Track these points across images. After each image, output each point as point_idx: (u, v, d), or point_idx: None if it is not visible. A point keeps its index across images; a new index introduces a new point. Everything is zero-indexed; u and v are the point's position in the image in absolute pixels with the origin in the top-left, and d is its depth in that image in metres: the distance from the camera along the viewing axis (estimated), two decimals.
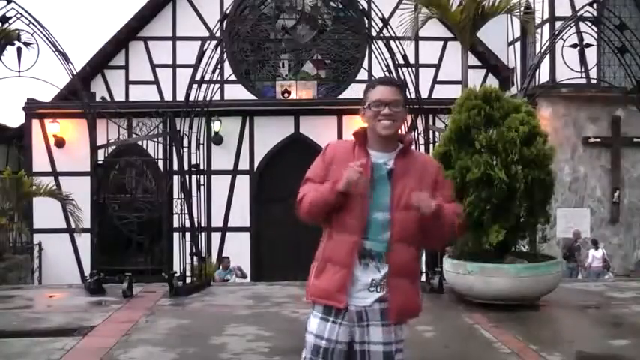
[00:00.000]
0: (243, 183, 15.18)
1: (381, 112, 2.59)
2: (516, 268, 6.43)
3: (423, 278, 8.02)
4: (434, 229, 2.60)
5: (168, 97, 16.60)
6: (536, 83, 13.40)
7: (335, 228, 2.63)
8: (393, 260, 2.58)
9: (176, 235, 8.01)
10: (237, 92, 16.25)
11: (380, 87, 2.65)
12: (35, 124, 15.00)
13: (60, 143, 14.85)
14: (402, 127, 2.69)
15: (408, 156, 2.67)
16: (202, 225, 8.24)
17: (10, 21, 7.88)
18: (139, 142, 10.01)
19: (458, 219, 2.67)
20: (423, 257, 8.48)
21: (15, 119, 25.68)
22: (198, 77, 7.90)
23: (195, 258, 7.96)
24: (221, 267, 12.76)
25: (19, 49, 8.13)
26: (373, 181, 2.58)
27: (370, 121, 2.63)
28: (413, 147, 2.74)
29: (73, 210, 11.93)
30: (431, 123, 9.19)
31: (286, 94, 16.84)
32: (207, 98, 8.11)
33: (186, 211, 7.84)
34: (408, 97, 8.15)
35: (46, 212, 14.09)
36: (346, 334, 2.61)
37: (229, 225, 15.02)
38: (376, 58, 8.41)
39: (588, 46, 9.23)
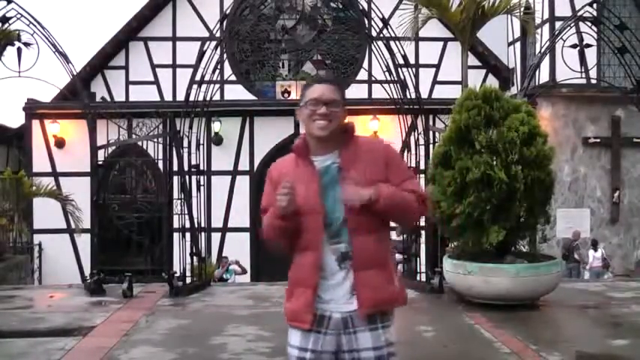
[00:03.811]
0: (243, 183, 15.17)
1: (317, 111, 2.49)
2: (516, 268, 6.42)
3: (423, 278, 8.05)
4: (389, 214, 2.53)
5: (168, 97, 16.60)
6: (536, 83, 13.41)
7: (297, 250, 2.57)
8: (356, 254, 2.50)
9: (176, 236, 8.01)
10: (237, 92, 16.24)
11: (317, 86, 2.55)
12: (35, 124, 14.98)
13: (60, 143, 14.83)
14: (339, 123, 2.55)
15: (352, 145, 2.56)
16: (202, 225, 8.23)
17: (10, 21, 7.89)
18: (139, 143, 10.01)
19: (416, 196, 2.56)
20: (423, 258, 8.51)
21: (15, 119, 25.56)
22: (198, 77, 7.89)
23: (195, 258, 7.97)
24: (220, 267, 12.77)
25: (19, 50, 8.13)
26: (324, 188, 2.50)
27: (306, 120, 2.54)
28: (356, 132, 2.60)
29: (73, 210, 11.91)
30: (431, 123, 9.19)
31: (286, 95, 16.83)
32: (207, 98, 8.11)
33: (186, 212, 7.84)
34: (408, 97, 8.19)
35: (46, 212, 14.07)
36: (332, 343, 2.53)
37: (229, 225, 15.00)
38: (376, 58, 8.40)
39: (588, 46, 9.23)
